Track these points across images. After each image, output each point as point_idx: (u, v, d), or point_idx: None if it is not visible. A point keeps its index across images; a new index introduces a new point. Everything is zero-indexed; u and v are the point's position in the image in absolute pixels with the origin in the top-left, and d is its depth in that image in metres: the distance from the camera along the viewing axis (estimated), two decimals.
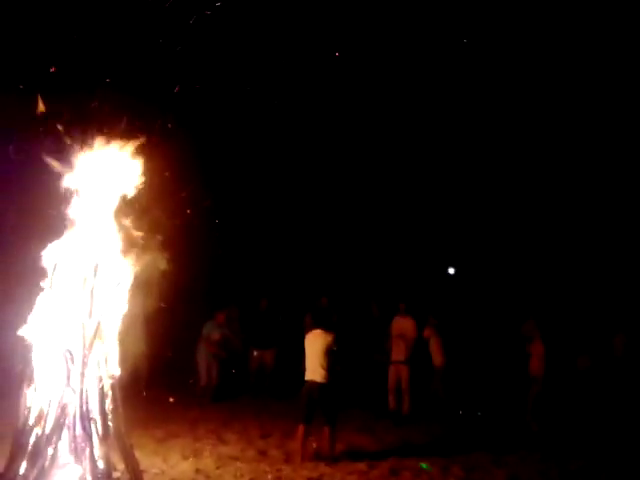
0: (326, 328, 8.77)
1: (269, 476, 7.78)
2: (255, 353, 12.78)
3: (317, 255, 16.02)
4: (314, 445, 8.69)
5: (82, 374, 6.96)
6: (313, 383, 8.52)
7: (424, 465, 8.06)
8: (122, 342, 7.53)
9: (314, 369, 8.54)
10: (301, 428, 8.49)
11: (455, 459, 8.60)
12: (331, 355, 8.57)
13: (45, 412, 6.82)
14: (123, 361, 7.47)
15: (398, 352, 11.19)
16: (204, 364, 12.30)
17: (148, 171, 7.44)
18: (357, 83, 13.75)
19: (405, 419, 10.85)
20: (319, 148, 15.34)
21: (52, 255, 7.23)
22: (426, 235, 17.13)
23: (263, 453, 8.83)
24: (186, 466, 8.08)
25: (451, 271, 18.98)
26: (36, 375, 7.01)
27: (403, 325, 11.32)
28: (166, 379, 12.96)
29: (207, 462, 8.28)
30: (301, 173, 15.67)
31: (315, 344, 8.62)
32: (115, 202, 7.43)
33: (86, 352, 6.99)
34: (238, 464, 8.22)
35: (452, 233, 17.28)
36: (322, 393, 8.46)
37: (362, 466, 8.24)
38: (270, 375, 12.82)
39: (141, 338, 12.40)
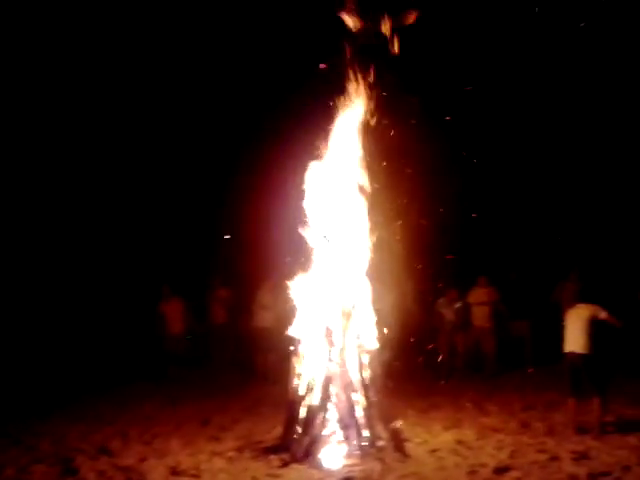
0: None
1: (532, 449, 7.66)
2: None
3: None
4: (579, 418, 8.36)
5: (342, 349, 7.48)
6: (574, 354, 8.22)
7: None
8: (379, 317, 7.92)
9: (574, 340, 8.24)
10: (572, 402, 8.25)
11: None
12: (593, 326, 8.20)
13: (312, 384, 7.45)
14: (381, 336, 7.87)
15: None
16: (443, 341, 12.38)
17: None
18: None
19: None
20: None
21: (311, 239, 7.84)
22: None
23: (525, 425, 8.70)
24: (447, 436, 8.22)
25: None
26: (303, 351, 7.68)
27: None
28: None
29: (468, 433, 8.35)
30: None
31: (576, 315, 8.31)
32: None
33: (343, 329, 7.50)
34: (499, 436, 8.20)
35: None
36: (586, 364, 8.14)
37: (634, 440, 7.73)
38: (529, 346, 12.51)
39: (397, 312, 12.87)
